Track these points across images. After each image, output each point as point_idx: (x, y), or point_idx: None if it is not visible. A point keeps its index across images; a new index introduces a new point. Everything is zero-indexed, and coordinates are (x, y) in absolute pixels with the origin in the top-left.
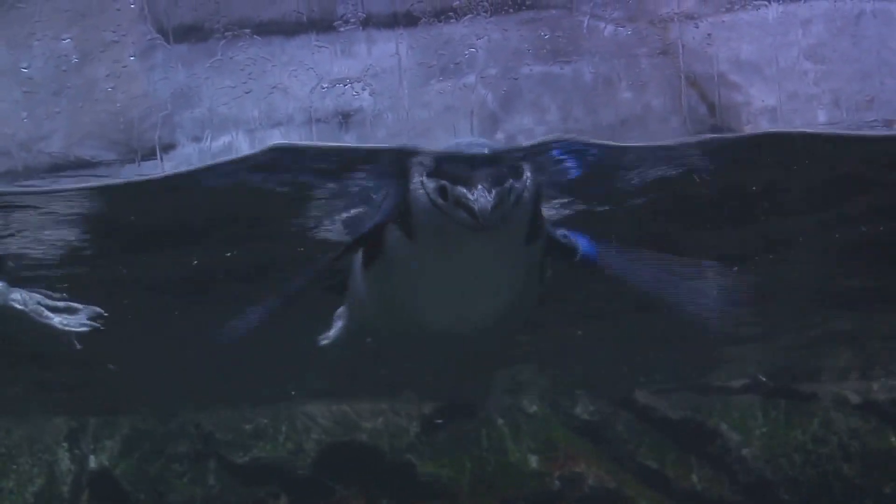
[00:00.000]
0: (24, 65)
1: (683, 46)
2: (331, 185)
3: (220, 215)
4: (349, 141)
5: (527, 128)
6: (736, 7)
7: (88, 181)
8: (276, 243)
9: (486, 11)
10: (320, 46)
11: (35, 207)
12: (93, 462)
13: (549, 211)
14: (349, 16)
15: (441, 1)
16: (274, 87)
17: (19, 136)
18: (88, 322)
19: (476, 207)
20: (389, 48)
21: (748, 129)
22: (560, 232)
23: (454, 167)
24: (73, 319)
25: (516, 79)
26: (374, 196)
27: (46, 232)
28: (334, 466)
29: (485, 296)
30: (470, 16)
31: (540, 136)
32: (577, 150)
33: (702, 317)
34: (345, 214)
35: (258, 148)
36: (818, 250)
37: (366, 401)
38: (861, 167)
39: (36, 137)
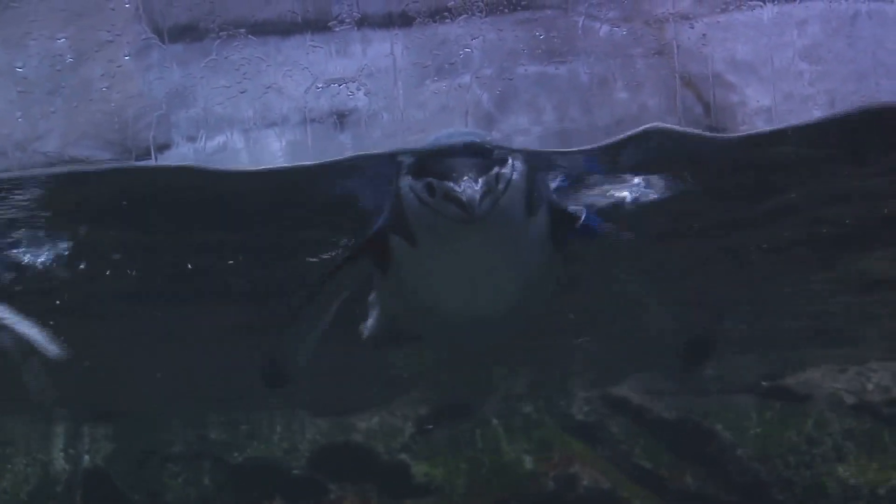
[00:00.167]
0: (20, 64)
1: (679, 47)
2: None
3: None
4: (344, 141)
5: (522, 128)
6: (731, 7)
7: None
8: None
9: (480, 11)
10: (315, 46)
11: None
12: (87, 462)
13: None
14: (344, 16)
15: (436, 1)
16: (269, 87)
17: (15, 136)
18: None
19: (464, 199)
20: (384, 48)
21: (743, 130)
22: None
23: (438, 163)
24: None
25: (511, 79)
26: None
27: None
28: (329, 466)
29: (501, 279)
30: (465, 16)
31: (536, 134)
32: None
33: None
34: None
35: (253, 147)
36: None
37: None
38: None
39: (31, 137)
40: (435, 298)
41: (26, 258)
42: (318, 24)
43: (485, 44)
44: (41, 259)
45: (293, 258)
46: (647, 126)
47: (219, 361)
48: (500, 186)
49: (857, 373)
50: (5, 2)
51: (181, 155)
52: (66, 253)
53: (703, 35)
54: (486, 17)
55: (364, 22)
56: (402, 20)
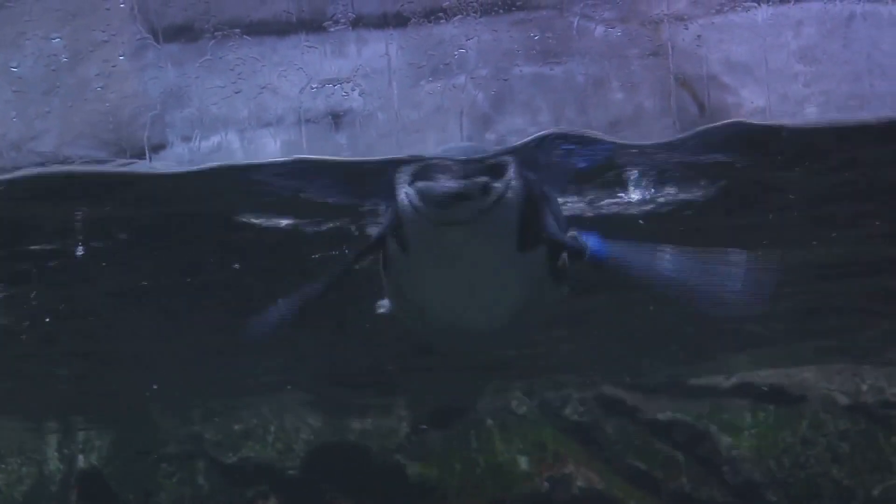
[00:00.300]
0: (15, 64)
1: (674, 48)
2: None
3: None
4: (341, 141)
5: (518, 128)
6: (726, 9)
7: None
8: None
9: (476, 12)
10: (310, 47)
11: None
12: (81, 462)
13: None
14: (339, 16)
15: (431, 1)
16: (264, 88)
17: (10, 136)
18: None
19: (431, 193)
20: (380, 49)
21: None
22: (569, 234)
23: (434, 171)
24: None
25: (507, 80)
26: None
27: None
28: (323, 467)
29: (485, 297)
30: (460, 16)
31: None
32: None
33: (718, 302)
34: None
35: (248, 147)
36: None
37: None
38: None
39: (27, 137)
40: (423, 305)
41: None
42: (312, 25)
43: (480, 44)
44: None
45: None
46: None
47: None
48: (490, 199)
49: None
50: (0, 2)
51: (176, 155)
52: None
53: (699, 36)
54: (480, 17)
55: (359, 22)
56: (397, 20)
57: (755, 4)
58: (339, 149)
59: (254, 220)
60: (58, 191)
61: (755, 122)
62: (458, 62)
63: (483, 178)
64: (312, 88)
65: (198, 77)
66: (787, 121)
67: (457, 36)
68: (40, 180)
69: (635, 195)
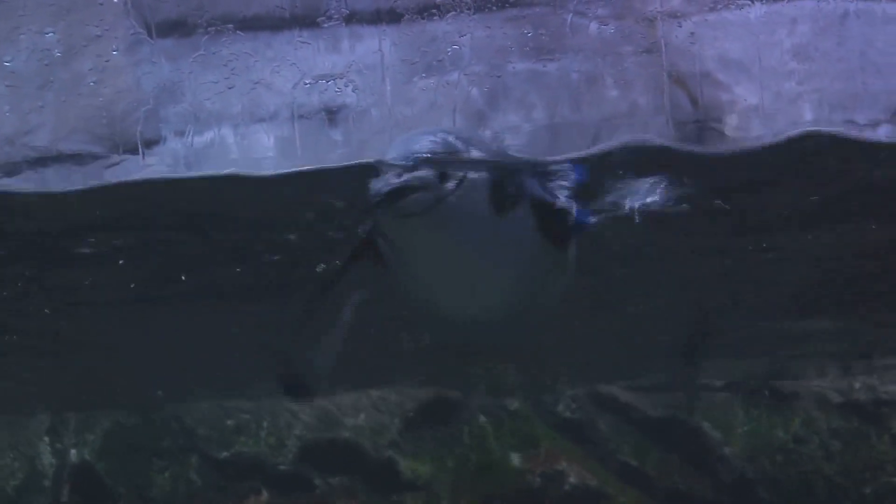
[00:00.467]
0: (8, 59)
1: (668, 45)
2: None
3: None
4: (335, 137)
5: (512, 125)
6: (720, 6)
7: None
8: None
9: (469, 9)
10: (304, 42)
11: None
12: (74, 457)
13: None
14: (333, 12)
15: None
16: (257, 83)
17: (3, 131)
18: None
19: (376, 191)
20: (373, 45)
21: (733, 128)
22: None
23: (384, 167)
24: None
25: (500, 76)
26: None
27: None
28: (316, 462)
29: (475, 276)
30: (453, 13)
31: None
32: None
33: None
34: None
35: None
36: None
37: (348, 395)
38: None
39: (21, 132)
40: (417, 295)
41: None
42: (306, 20)
43: (473, 41)
44: None
45: None
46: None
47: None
48: (449, 184)
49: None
50: None
51: (170, 150)
52: None
53: (692, 33)
54: (474, 14)
55: (352, 18)
56: (391, 16)
57: (749, 2)
58: (333, 145)
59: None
60: None
61: None
62: (452, 59)
63: (435, 168)
64: (306, 84)
65: (191, 72)
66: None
67: (450, 32)
68: None
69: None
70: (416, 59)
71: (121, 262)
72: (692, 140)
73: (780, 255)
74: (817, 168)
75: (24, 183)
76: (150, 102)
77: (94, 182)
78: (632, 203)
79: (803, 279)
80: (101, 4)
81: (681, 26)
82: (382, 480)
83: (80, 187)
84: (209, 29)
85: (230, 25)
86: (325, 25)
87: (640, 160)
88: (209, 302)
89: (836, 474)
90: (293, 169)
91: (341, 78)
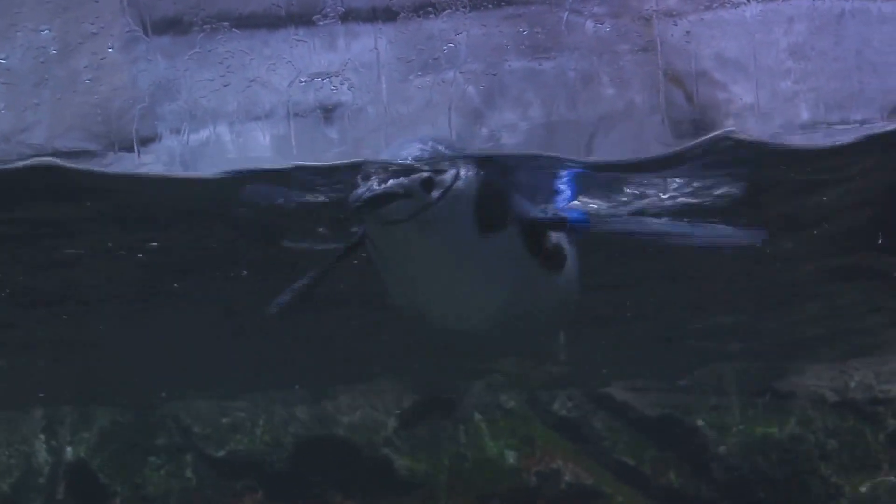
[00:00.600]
0: (3, 56)
1: (664, 43)
2: None
3: None
4: (331, 135)
5: (509, 123)
6: (716, 5)
7: None
8: None
9: (465, 7)
10: (299, 40)
11: None
12: (70, 454)
13: None
14: (328, 10)
15: None
16: (253, 81)
17: (1, 128)
18: None
19: (351, 196)
20: (369, 43)
21: (730, 126)
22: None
23: (370, 173)
24: None
25: (496, 74)
26: None
27: None
28: (311, 460)
29: (461, 286)
30: (449, 11)
31: (523, 130)
32: None
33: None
34: None
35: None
36: None
37: (344, 394)
38: None
39: (17, 129)
40: (402, 300)
41: None
42: (302, 18)
43: (470, 39)
44: None
45: None
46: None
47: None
48: (434, 193)
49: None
50: None
51: (166, 148)
52: None
53: (688, 32)
54: (470, 12)
55: (348, 16)
56: (387, 15)
57: (745, 1)
58: (329, 143)
59: None
60: None
61: None
62: (448, 57)
63: (423, 174)
64: (301, 82)
65: (187, 70)
66: None
67: (446, 31)
68: None
69: None
70: (412, 58)
71: None
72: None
73: None
74: None
75: None
76: (146, 100)
77: None
78: None
79: None
80: (98, 2)
81: (677, 25)
82: (378, 478)
83: None
84: (205, 27)
85: (226, 23)
86: (321, 23)
87: None
88: None
89: (831, 473)
90: None
91: (337, 76)
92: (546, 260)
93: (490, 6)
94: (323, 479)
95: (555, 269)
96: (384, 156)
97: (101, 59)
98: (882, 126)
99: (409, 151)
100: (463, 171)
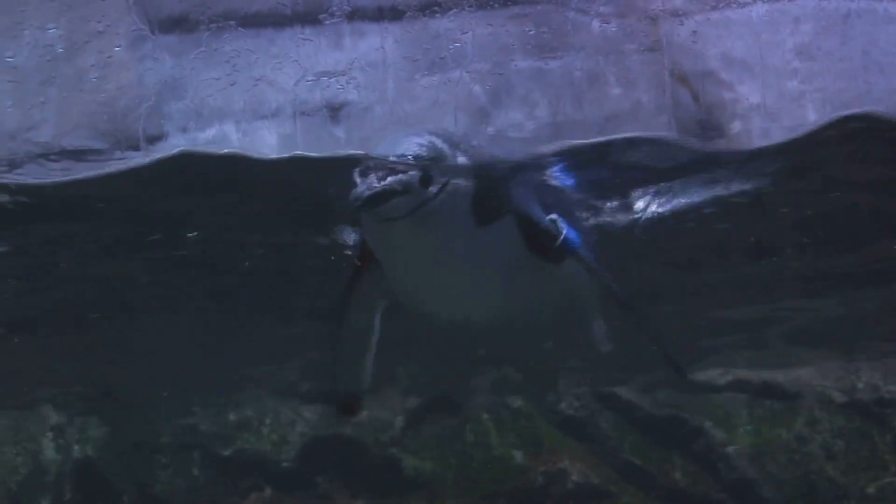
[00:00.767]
0: (10, 54)
1: (671, 43)
2: None
3: None
4: (338, 134)
5: (515, 122)
6: (722, 5)
7: None
8: None
9: (471, 6)
10: (306, 39)
11: None
12: (77, 452)
13: None
14: (335, 9)
15: None
16: (259, 80)
17: (6, 126)
18: None
19: (351, 196)
20: (375, 42)
21: (736, 126)
22: (549, 216)
23: (367, 170)
24: None
25: (502, 74)
26: None
27: None
28: (318, 459)
29: (455, 281)
30: (456, 10)
31: (529, 130)
32: None
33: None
34: None
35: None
36: None
37: None
38: None
39: (24, 127)
40: (404, 297)
41: None
42: (308, 17)
43: (476, 38)
44: None
45: None
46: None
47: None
48: (432, 189)
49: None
50: None
51: (172, 146)
52: None
53: (695, 32)
54: (476, 11)
55: (355, 15)
56: (393, 14)
57: (751, 1)
58: (336, 142)
59: None
60: None
61: None
62: (454, 56)
63: (420, 171)
64: (308, 81)
65: (194, 68)
66: None
67: (452, 30)
68: None
69: None
70: (418, 57)
71: None
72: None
73: None
74: None
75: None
76: (153, 99)
77: None
78: None
79: None
80: (104, 1)
81: (683, 24)
82: (385, 478)
83: None
84: (211, 25)
85: (232, 22)
86: (328, 22)
87: None
88: None
89: (839, 474)
90: None
91: (343, 75)
92: (547, 250)
93: (496, 6)
94: (329, 478)
95: (557, 259)
96: (380, 151)
97: (108, 57)
98: None
99: (408, 147)
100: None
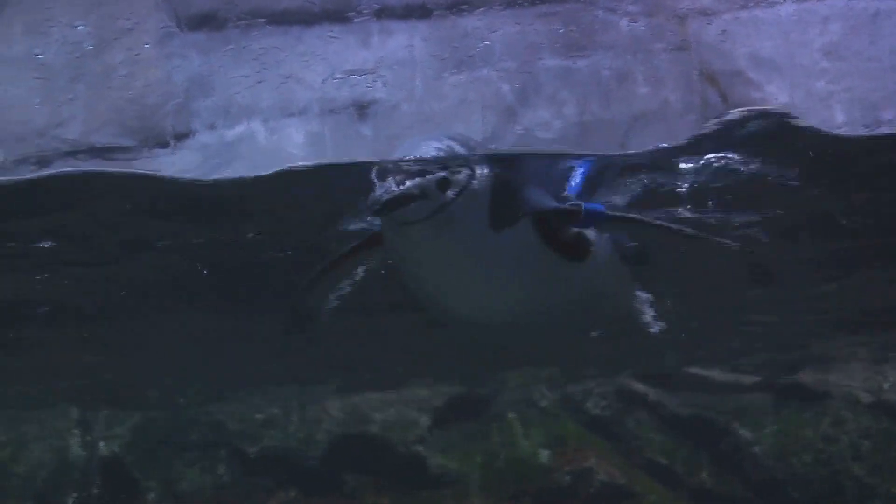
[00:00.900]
0: (39, 51)
1: (699, 42)
2: None
3: None
4: (366, 132)
5: (542, 121)
6: (751, 4)
7: None
8: None
9: (500, 4)
10: (334, 37)
11: None
12: (103, 449)
13: None
14: (363, 7)
15: None
16: (288, 77)
17: (35, 123)
18: None
19: (369, 200)
20: (403, 40)
21: None
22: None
23: (385, 175)
24: None
25: (531, 72)
26: None
27: None
28: (344, 457)
29: (482, 283)
30: (484, 8)
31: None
32: None
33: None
34: None
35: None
36: None
37: (376, 392)
38: None
39: (52, 124)
40: (425, 301)
41: None
42: (336, 15)
43: (504, 37)
44: None
45: None
46: None
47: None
48: (450, 193)
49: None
50: None
51: (200, 144)
52: None
53: (723, 31)
54: (505, 9)
55: (383, 13)
56: (422, 12)
57: (780, 0)
58: (363, 140)
59: None
60: None
61: None
62: (483, 55)
63: (439, 175)
64: (336, 79)
65: (222, 66)
66: None
67: (481, 28)
68: None
69: None
70: (446, 55)
71: None
72: None
73: None
74: None
75: None
76: (181, 96)
77: None
78: None
79: None
80: None
81: (712, 24)
82: (411, 476)
83: None
84: (240, 23)
85: (261, 19)
86: (356, 20)
87: None
88: None
89: (865, 474)
90: None
91: (371, 73)
92: (567, 251)
93: (525, 4)
94: (356, 476)
95: (578, 258)
96: (398, 153)
97: (136, 54)
98: None
99: (426, 151)
100: (478, 169)
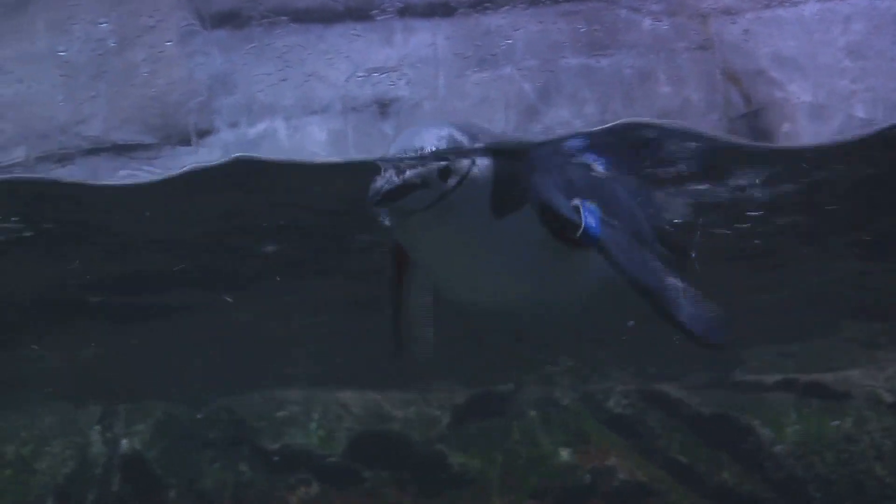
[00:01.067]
0: (62, 48)
1: (722, 41)
2: None
3: None
4: (387, 130)
5: (564, 120)
6: (774, 3)
7: None
8: None
9: (523, 3)
10: (357, 35)
11: None
12: (125, 446)
13: None
14: (386, 5)
15: None
16: (310, 75)
17: (58, 119)
18: None
19: (370, 190)
20: (426, 38)
21: (786, 126)
22: (573, 202)
23: (385, 166)
24: None
25: (553, 71)
26: None
27: None
28: (365, 455)
29: (488, 271)
30: (507, 7)
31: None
32: None
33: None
34: None
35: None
36: None
37: (397, 390)
38: None
39: (74, 120)
40: (440, 289)
41: None
42: (359, 13)
43: (527, 35)
44: None
45: None
46: None
47: None
48: (451, 181)
49: None
50: None
51: (222, 141)
52: None
53: (746, 31)
54: (528, 8)
55: (406, 11)
56: (444, 10)
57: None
58: (385, 138)
59: None
60: None
61: None
62: (505, 53)
63: (440, 163)
64: (359, 77)
65: (245, 64)
66: None
67: (504, 27)
68: None
69: None
70: (469, 53)
71: None
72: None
73: None
74: None
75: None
76: (203, 93)
77: None
78: None
79: None
80: None
81: (735, 23)
82: (431, 474)
83: None
84: (262, 21)
85: (284, 17)
86: (379, 18)
87: None
88: None
89: (887, 474)
90: None
91: (394, 71)
92: (572, 238)
93: (548, 2)
94: (376, 474)
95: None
96: (399, 143)
97: (159, 52)
98: None
99: (427, 140)
100: (479, 159)
